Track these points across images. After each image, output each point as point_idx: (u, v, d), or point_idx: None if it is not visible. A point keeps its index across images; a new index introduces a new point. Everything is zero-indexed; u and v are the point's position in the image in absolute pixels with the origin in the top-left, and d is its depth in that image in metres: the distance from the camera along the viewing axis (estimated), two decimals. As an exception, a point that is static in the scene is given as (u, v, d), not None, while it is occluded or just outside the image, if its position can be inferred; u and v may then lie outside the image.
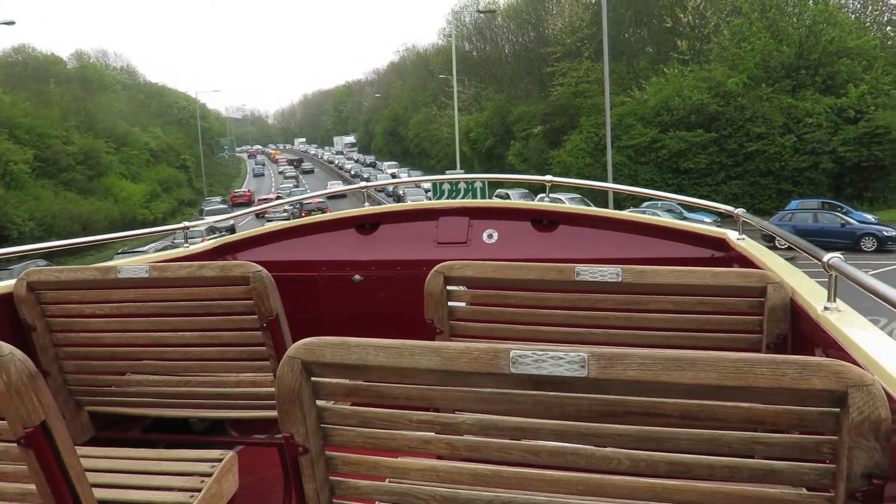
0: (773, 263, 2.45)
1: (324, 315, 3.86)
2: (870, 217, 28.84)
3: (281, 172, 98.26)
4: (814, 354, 1.61)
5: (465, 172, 44.62)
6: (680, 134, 39.49)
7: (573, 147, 44.48)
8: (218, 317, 2.46)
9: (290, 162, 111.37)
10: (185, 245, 3.79)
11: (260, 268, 2.35)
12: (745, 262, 2.79)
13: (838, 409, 1.09)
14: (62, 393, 2.62)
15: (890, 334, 1.57)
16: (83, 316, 2.56)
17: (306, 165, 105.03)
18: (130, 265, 2.46)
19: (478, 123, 60.23)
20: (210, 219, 5.40)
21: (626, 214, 3.74)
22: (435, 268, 2.22)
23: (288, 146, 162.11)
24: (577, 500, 1.28)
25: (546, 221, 3.72)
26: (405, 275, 3.65)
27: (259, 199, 60.93)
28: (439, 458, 1.35)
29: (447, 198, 18.10)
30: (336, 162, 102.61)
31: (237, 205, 60.30)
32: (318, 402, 1.34)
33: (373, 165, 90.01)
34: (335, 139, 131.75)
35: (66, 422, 2.08)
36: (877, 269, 20.88)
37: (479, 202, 3.86)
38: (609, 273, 2.13)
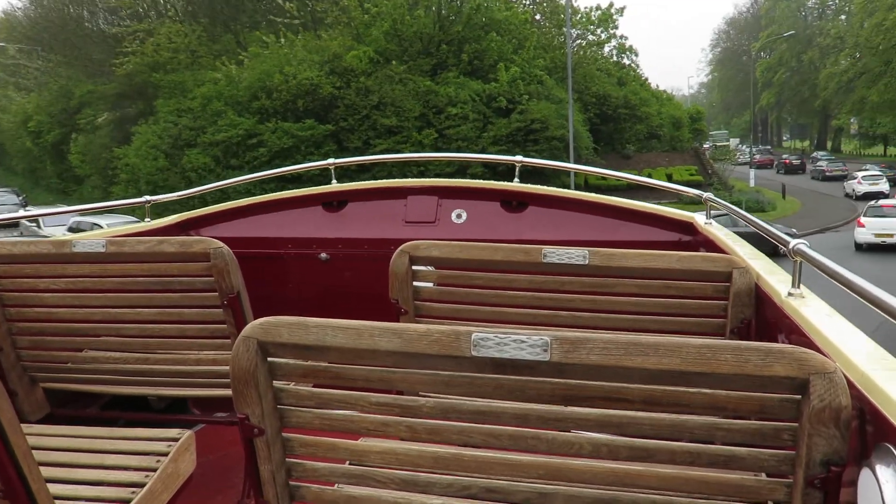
0: (740, 248, 2.41)
1: (289, 293, 3.75)
2: None
3: None
4: (777, 340, 1.73)
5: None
6: (285, 126, 27.30)
7: (142, 143, 29.84)
8: (178, 293, 2.36)
9: None
10: (146, 220, 3.65)
11: (221, 244, 2.27)
12: (712, 246, 2.76)
13: (799, 397, 1.09)
14: (16, 369, 2.52)
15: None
16: (37, 290, 2.45)
17: None
18: (87, 239, 2.37)
19: (38, 109, 41.96)
20: (174, 195, 4.13)
21: (596, 196, 3.58)
22: (400, 247, 2.17)
23: None
24: (537, 484, 1.26)
25: (515, 202, 3.63)
26: (372, 253, 3.58)
27: None
28: (400, 440, 1.31)
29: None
30: None
31: None
32: (275, 383, 1.31)
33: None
34: None
35: (19, 398, 2.44)
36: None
37: (448, 181, 3.81)
38: (576, 255, 2.11)
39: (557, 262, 2.12)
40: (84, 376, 2.56)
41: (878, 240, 23.54)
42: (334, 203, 3.77)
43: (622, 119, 37.44)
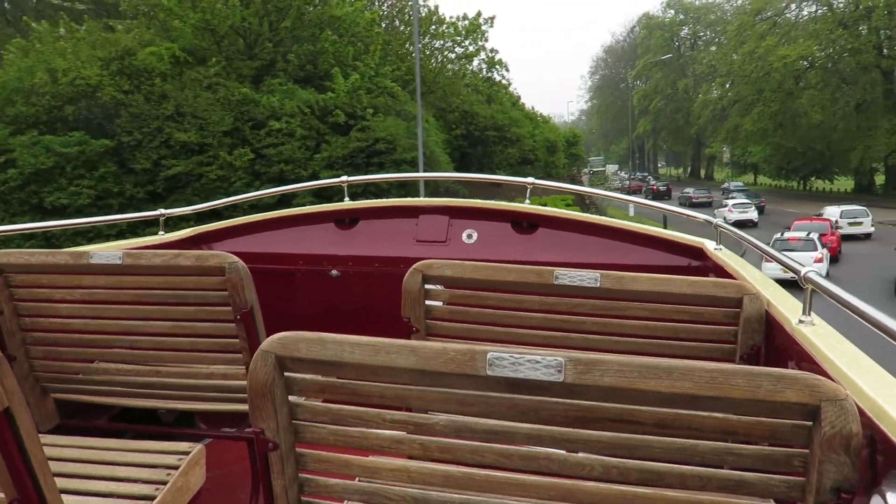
0: (749, 274, 2.44)
1: (299, 309, 3.78)
2: None
3: None
4: (787, 367, 1.74)
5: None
6: (46, 139, 20.66)
7: None
8: (191, 307, 2.36)
9: None
10: (161, 233, 3.68)
11: (236, 259, 2.27)
12: (722, 272, 2.80)
13: (811, 423, 1.11)
14: (28, 379, 2.52)
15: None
16: (53, 301, 2.44)
17: None
18: (103, 251, 2.37)
19: None
20: (188, 208, 4.33)
21: (606, 220, 3.62)
22: (414, 266, 2.18)
23: None
24: None
25: (526, 224, 3.65)
26: (383, 271, 3.61)
27: None
28: (411, 458, 1.32)
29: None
30: None
31: None
32: (291, 398, 1.32)
33: None
34: None
35: (31, 408, 2.21)
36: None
37: (459, 201, 3.82)
38: (588, 278, 2.12)
39: (569, 283, 2.12)
40: (96, 387, 2.53)
41: (787, 275, 20.33)
42: (346, 220, 3.77)
43: (492, 142, 33.18)
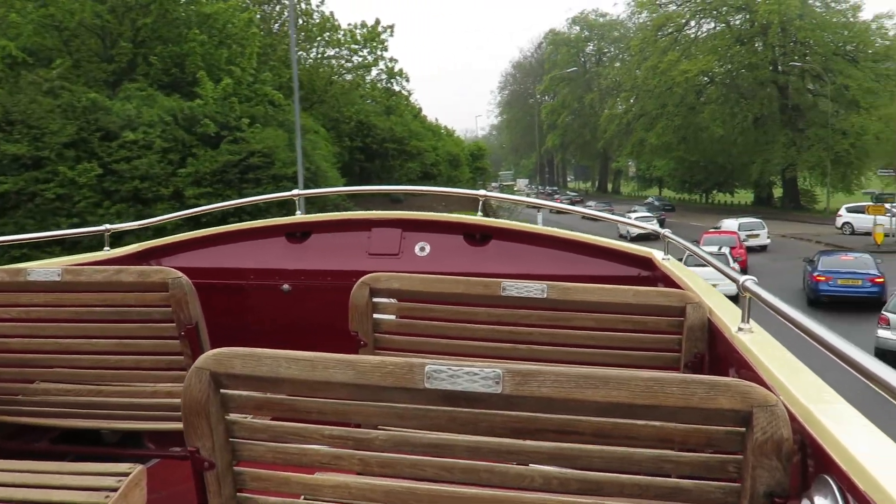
0: (694, 283, 2.47)
1: (250, 325, 3.72)
2: None
3: None
4: (727, 374, 1.76)
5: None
6: None
7: None
8: (134, 324, 2.34)
9: None
10: (107, 248, 3.57)
11: (180, 274, 2.24)
12: (669, 281, 2.81)
13: (744, 429, 1.11)
14: None
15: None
16: None
17: None
18: (42, 267, 2.32)
19: None
20: (135, 223, 4.31)
21: (558, 231, 3.65)
22: (361, 279, 2.17)
23: None
24: None
25: (479, 236, 3.65)
26: (335, 285, 3.48)
27: None
28: (359, 474, 1.30)
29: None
30: None
31: None
32: (228, 416, 1.29)
33: None
34: None
35: None
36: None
37: (412, 214, 3.81)
38: (534, 289, 2.12)
39: (516, 295, 2.11)
40: (35, 409, 2.47)
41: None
42: (298, 234, 3.73)
43: (391, 155, 31.13)
